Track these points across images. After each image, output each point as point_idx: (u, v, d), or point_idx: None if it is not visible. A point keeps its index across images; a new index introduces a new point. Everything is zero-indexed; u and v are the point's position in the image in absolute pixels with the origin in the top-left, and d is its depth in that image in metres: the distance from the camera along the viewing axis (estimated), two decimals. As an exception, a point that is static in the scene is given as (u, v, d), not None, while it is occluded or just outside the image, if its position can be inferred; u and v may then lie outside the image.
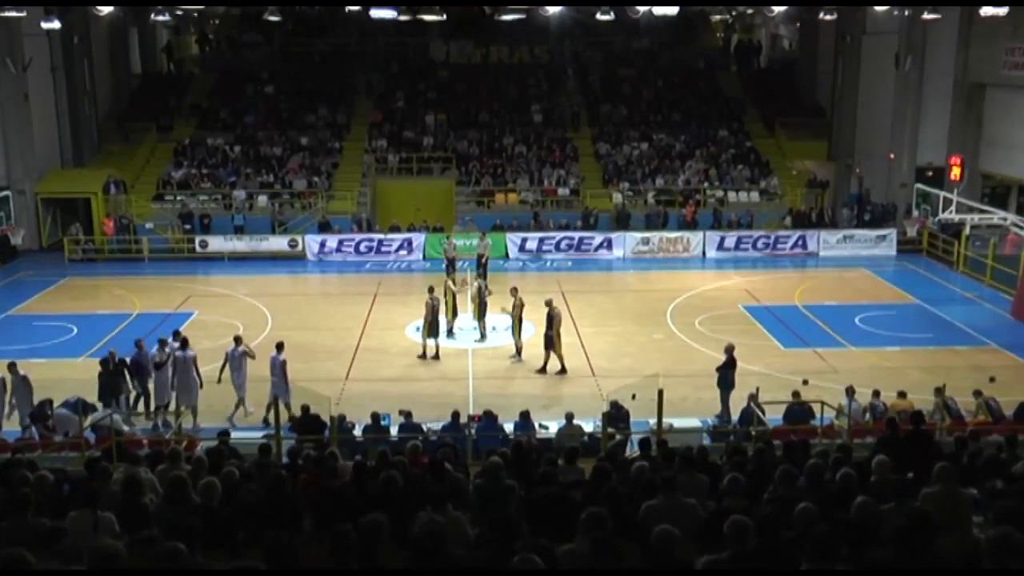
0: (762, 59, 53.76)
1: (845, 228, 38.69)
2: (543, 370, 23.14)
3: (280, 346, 20.35)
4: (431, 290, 24.73)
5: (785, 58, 53.89)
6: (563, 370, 23.09)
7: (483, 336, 25.89)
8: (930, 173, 37.47)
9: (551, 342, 23.05)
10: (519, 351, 24.26)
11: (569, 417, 17.71)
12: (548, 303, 23.28)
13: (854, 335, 26.43)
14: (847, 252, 37.42)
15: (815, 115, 46.86)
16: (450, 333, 25.98)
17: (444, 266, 32.43)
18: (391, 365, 24.35)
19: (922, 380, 21.44)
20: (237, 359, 20.56)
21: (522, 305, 24.09)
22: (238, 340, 20.96)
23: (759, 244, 37.83)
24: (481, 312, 25.71)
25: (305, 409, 17.22)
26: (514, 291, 24.63)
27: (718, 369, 20.35)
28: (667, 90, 48.33)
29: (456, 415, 17.57)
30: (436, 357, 24.28)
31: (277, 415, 16.09)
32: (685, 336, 26.33)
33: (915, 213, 33.58)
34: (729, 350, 20.52)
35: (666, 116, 46.58)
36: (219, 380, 20.34)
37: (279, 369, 19.94)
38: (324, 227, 38.44)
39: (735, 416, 18.80)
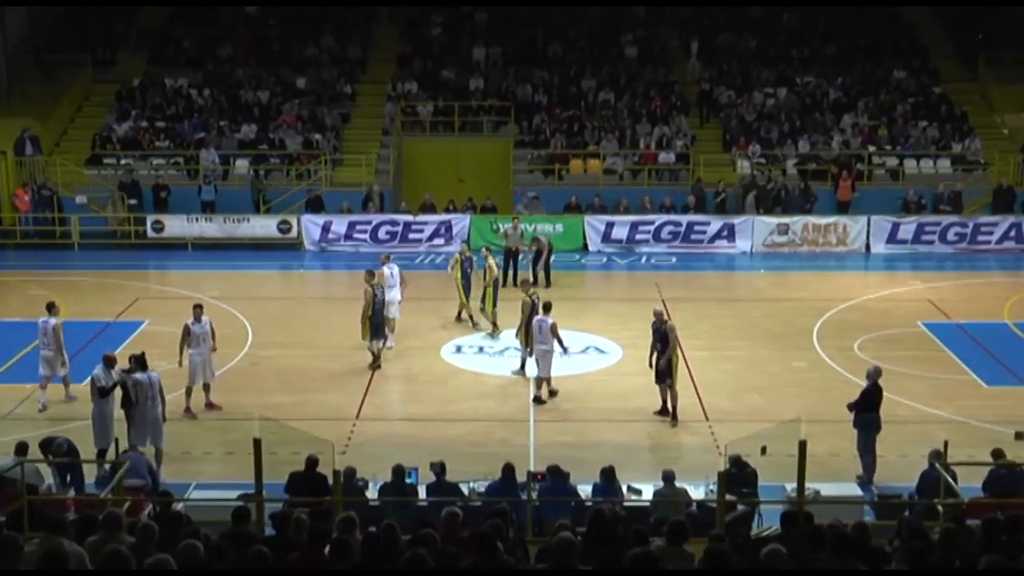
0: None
1: (1082, 214, 38.20)
2: (664, 411, 22.98)
3: (548, 307, 24.04)
4: (371, 275, 26.01)
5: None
6: (667, 412, 23.03)
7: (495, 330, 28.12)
8: None
9: (669, 371, 22.80)
10: (523, 365, 25.45)
11: (668, 477, 17.57)
12: (660, 316, 23.04)
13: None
14: (1085, 248, 37.07)
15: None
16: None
17: (500, 261, 32.49)
18: (420, 399, 24.40)
19: None
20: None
21: (532, 305, 24.72)
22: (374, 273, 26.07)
23: (950, 235, 37.41)
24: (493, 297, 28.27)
25: (311, 462, 17.29)
26: (524, 285, 26.06)
27: (854, 407, 20.20)
28: (817, 13, 47.95)
29: (509, 471, 17.54)
30: (376, 365, 25.88)
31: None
32: (838, 365, 26.03)
33: None
34: (873, 376, 20.36)
35: (815, 50, 46.24)
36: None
37: (548, 333, 23.60)
38: (314, 204, 38.74)
39: (891, 480, 18.59)
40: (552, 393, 24.00)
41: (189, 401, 22.80)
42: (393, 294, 26.97)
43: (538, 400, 23.80)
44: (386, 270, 27.31)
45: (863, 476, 19.99)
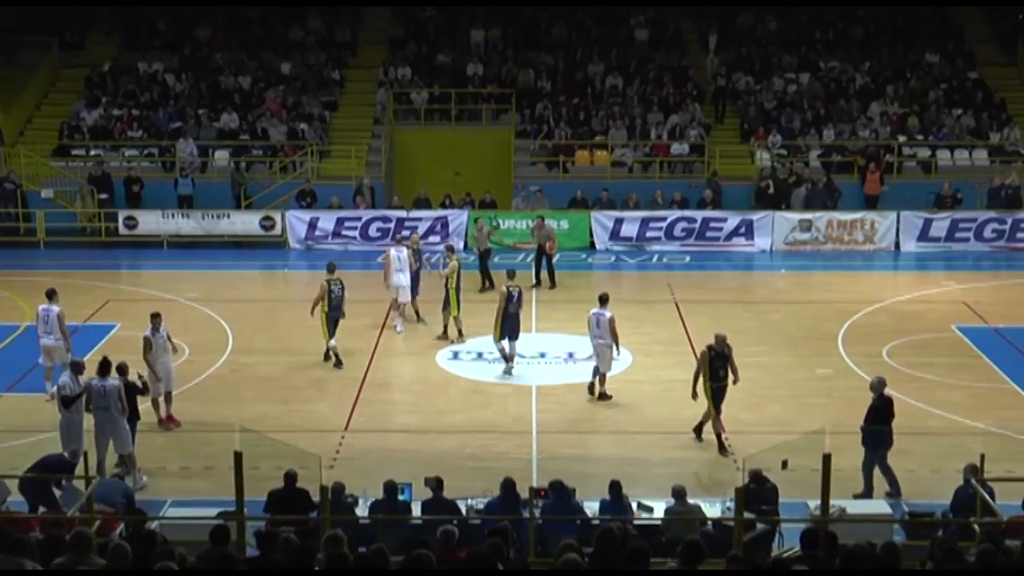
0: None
1: None
2: (723, 447, 22.64)
3: (605, 299, 24.15)
4: (330, 269, 26.93)
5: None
6: (700, 435, 22.74)
7: (451, 334, 28.34)
8: None
9: (721, 393, 22.41)
10: (509, 363, 25.99)
11: (679, 493, 17.54)
12: (724, 339, 22.15)
13: None
14: None
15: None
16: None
17: (479, 263, 32.75)
18: (414, 410, 24.45)
19: None
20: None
21: (508, 296, 25.43)
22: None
23: (987, 232, 37.42)
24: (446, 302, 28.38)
25: (290, 478, 17.29)
26: (510, 275, 26.64)
27: (864, 428, 20.08)
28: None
29: (510, 486, 17.53)
30: (337, 362, 26.52)
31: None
32: (866, 373, 25.82)
33: None
34: (878, 388, 20.32)
35: (840, 33, 46.29)
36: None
37: (607, 327, 23.71)
38: (307, 197, 38.79)
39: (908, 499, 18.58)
40: (603, 396, 24.32)
41: (160, 412, 22.79)
42: (400, 278, 28.50)
43: (603, 396, 24.28)
44: (393, 252, 28.91)
45: (862, 493, 19.96)
